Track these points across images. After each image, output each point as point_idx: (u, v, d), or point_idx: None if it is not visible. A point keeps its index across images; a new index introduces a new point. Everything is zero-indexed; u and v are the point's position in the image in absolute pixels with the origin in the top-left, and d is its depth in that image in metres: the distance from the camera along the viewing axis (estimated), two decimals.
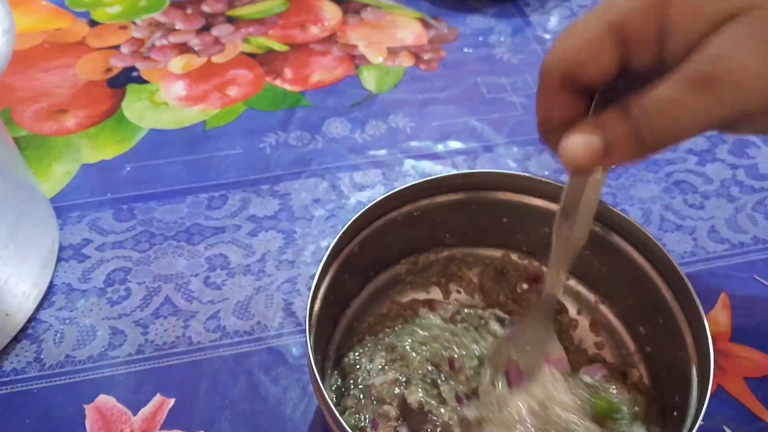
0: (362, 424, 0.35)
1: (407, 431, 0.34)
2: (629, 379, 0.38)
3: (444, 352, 0.37)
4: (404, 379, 0.36)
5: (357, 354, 0.38)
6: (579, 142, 0.28)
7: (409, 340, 0.38)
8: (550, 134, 0.30)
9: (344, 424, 0.29)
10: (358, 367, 0.37)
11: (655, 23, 0.26)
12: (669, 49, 0.26)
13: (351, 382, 0.37)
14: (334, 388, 0.37)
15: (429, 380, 0.36)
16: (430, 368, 0.36)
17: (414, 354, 0.37)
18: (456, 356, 0.37)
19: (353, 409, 0.35)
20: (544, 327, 0.36)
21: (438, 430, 0.34)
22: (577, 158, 0.28)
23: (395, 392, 0.35)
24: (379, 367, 0.37)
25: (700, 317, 0.33)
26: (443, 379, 0.36)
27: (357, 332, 0.40)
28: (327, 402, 0.30)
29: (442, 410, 0.34)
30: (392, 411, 0.35)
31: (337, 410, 0.30)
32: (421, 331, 0.38)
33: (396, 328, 0.39)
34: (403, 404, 0.35)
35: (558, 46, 0.29)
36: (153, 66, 0.63)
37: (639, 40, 0.27)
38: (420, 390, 0.35)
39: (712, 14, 0.25)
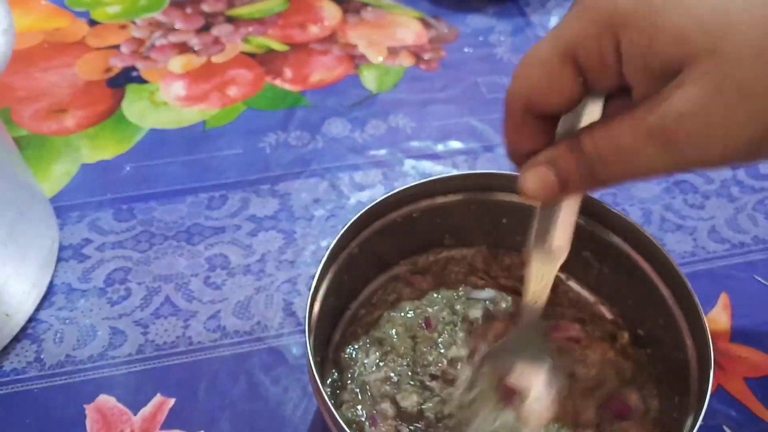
0: (359, 418, 0.35)
1: (408, 430, 0.35)
2: (617, 342, 0.38)
3: (419, 320, 0.38)
4: (396, 378, 0.36)
5: (353, 348, 0.38)
6: (533, 178, 0.28)
7: (391, 327, 0.38)
8: (521, 160, 0.30)
9: (345, 428, 0.29)
10: (354, 361, 0.37)
11: (609, 51, 0.25)
12: (628, 76, 0.25)
13: (348, 375, 0.37)
14: (329, 381, 0.37)
15: (418, 382, 0.36)
16: (418, 370, 0.36)
17: (396, 338, 0.37)
18: (429, 315, 0.38)
19: (350, 403, 0.35)
20: (533, 342, 0.34)
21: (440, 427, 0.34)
22: (534, 192, 0.28)
23: (387, 390, 0.36)
24: (375, 362, 0.37)
25: (700, 318, 0.33)
26: (430, 380, 0.36)
27: (355, 333, 0.40)
28: (327, 405, 0.30)
29: (435, 411, 0.35)
30: (390, 410, 0.35)
31: (334, 404, 0.30)
32: (397, 314, 0.39)
33: (380, 320, 0.39)
34: (398, 405, 0.35)
35: (517, 77, 0.28)
36: (153, 66, 0.63)
37: (595, 67, 0.26)
38: (414, 395, 0.35)
39: (667, 58, 0.23)
